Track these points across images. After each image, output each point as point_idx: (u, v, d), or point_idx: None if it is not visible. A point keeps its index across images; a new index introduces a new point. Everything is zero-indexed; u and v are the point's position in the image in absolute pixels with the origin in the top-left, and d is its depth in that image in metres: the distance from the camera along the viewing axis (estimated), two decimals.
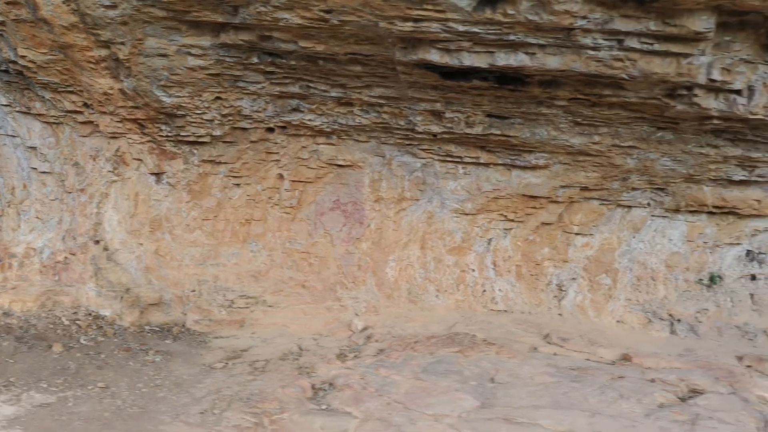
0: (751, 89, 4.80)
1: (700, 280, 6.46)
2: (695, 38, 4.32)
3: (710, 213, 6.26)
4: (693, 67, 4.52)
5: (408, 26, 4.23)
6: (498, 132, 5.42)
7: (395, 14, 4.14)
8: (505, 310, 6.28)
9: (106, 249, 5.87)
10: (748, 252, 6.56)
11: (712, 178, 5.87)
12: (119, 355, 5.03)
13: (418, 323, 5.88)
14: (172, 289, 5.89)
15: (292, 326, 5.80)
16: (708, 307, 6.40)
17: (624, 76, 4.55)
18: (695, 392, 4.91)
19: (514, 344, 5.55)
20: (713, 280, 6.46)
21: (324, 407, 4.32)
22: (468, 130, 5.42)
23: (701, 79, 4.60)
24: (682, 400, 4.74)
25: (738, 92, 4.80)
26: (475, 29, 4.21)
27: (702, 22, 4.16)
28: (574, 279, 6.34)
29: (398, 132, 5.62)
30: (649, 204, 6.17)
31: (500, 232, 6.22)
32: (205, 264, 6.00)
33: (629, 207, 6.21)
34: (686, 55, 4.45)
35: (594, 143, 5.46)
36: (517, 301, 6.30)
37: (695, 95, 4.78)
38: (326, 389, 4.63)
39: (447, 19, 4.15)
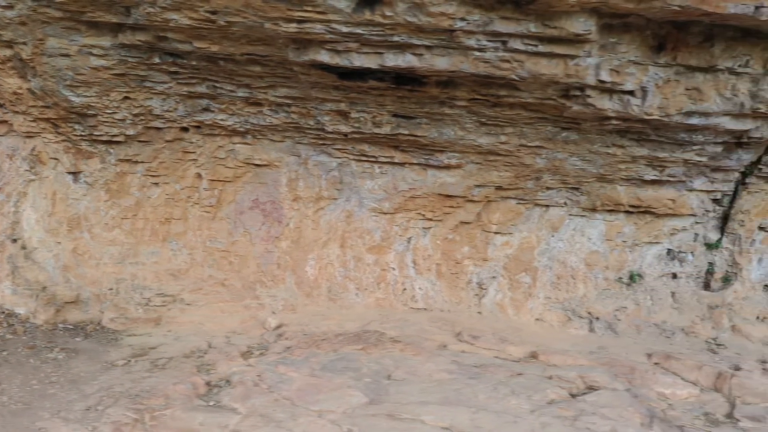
0: (644, 90, 4.87)
1: (620, 278, 6.53)
2: (578, 40, 4.39)
3: (628, 212, 6.34)
4: (581, 68, 4.59)
5: (293, 27, 4.28)
6: (406, 132, 5.47)
7: (277, 15, 4.19)
8: (425, 308, 6.33)
9: (23, 248, 5.90)
10: (669, 251, 6.64)
11: (624, 177, 5.94)
12: (22, 353, 5.06)
13: (334, 321, 5.93)
14: (90, 288, 5.93)
15: (207, 324, 5.85)
16: (627, 305, 6.48)
17: (514, 77, 4.61)
18: (591, 388, 4.99)
19: (424, 342, 5.61)
20: (633, 278, 6.53)
21: (212, 404, 4.37)
22: (377, 130, 5.48)
23: (590, 80, 4.67)
24: (574, 396, 4.81)
25: (631, 93, 4.87)
26: (358, 30, 4.26)
27: (580, 24, 4.23)
28: (494, 277, 6.40)
29: (310, 132, 5.67)
30: (566, 203, 6.24)
31: (420, 231, 6.27)
32: (124, 263, 6.04)
33: (547, 206, 6.28)
34: (573, 57, 4.53)
35: (502, 143, 5.53)
36: (437, 300, 6.35)
37: (588, 96, 4.85)
38: (222, 386, 4.68)
39: (329, 21, 4.21)
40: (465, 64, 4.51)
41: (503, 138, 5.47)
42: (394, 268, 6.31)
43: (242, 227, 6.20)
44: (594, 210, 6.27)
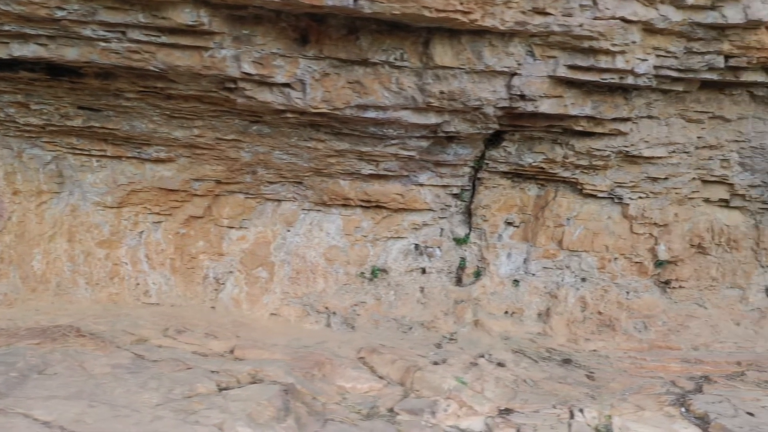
0: (302, 83, 4.85)
1: (362, 273, 6.53)
2: (204, 32, 4.37)
3: (364, 207, 6.34)
4: (217, 60, 4.56)
5: None
6: (98, 125, 5.41)
7: None
8: (158, 303, 6.29)
9: None
10: (417, 246, 6.65)
11: (342, 172, 5.94)
12: None
13: (47, 316, 5.84)
14: None
15: None
16: (367, 300, 6.48)
17: (151, 68, 4.57)
18: (253, 383, 4.96)
19: (123, 337, 5.55)
20: (375, 273, 6.53)
21: None
22: (69, 123, 5.41)
23: (234, 72, 4.64)
24: (222, 390, 4.77)
25: (288, 86, 4.85)
26: None
27: (187, 15, 4.20)
28: (231, 272, 6.37)
29: (8, 124, 5.58)
30: (295, 198, 6.22)
31: (151, 226, 6.22)
32: None
33: (279, 201, 6.26)
34: (206, 48, 4.50)
35: (197, 136, 5.49)
36: (171, 294, 6.31)
37: (245, 89, 4.82)
38: None
39: None
40: (94, 54, 4.46)
41: (197, 131, 5.44)
42: (126, 263, 6.25)
43: None
44: (326, 204, 6.25)
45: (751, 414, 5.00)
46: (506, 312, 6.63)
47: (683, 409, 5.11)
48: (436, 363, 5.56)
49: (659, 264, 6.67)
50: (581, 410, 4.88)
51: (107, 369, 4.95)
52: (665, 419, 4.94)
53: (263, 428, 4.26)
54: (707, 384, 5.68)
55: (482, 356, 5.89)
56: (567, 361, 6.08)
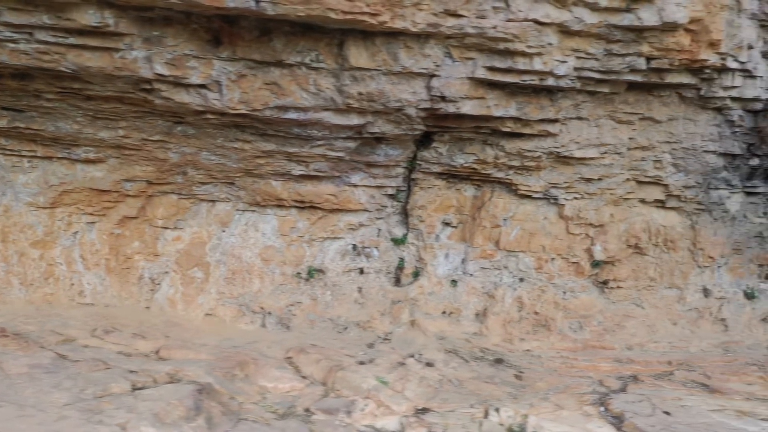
0: (219, 84, 4.87)
1: (299, 273, 6.55)
2: (113, 33, 4.38)
3: (299, 208, 6.36)
4: (128, 61, 4.58)
5: None
6: (23, 125, 5.42)
7: None
8: (92, 303, 6.29)
9: None
10: (354, 246, 6.67)
11: (273, 172, 5.96)
12: None
13: None
14: None
15: None
16: (303, 300, 6.49)
17: (63, 69, 4.59)
18: (170, 382, 4.98)
19: (50, 337, 5.56)
20: (311, 273, 6.55)
21: None
22: None
23: (147, 73, 4.66)
24: (136, 389, 4.77)
25: (204, 87, 4.87)
26: None
27: (91, 17, 4.22)
28: (166, 273, 6.38)
29: None
30: (229, 198, 6.23)
31: (85, 226, 6.22)
32: None
33: (213, 201, 6.27)
34: (116, 50, 4.51)
35: (123, 137, 5.50)
36: (106, 295, 6.32)
37: (161, 90, 4.84)
38: None
39: None
40: (3, 56, 4.47)
41: (122, 132, 5.45)
42: (61, 263, 6.26)
43: None
44: (260, 205, 6.27)
45: (667, 413, 5.05)
46: (444, 312, 6.66)
47: (602, 408, 5.16)
48: (362, 363, 5.59)
49: (596, 264, 6.72)
50: (497, 410, 4.92)
51: (24, 369, 4.95)
52: (582, 418, 4.98)
53: (170, 428, 4.28)
54: (634, 383, 5.72)
55: (412, 356, 5.92)
56: (499, 361, 6.11)
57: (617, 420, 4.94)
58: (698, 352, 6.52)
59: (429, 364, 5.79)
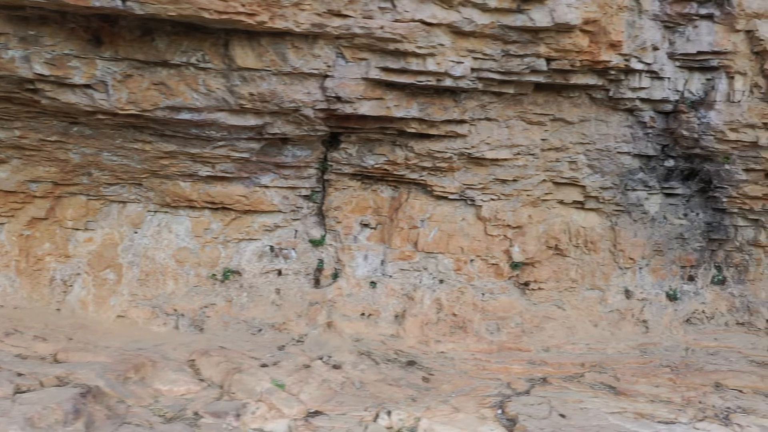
0: (105, 84, 4.82)
1: (214, 275, 6.49)
2: None
3: (212, 209, 6.30)
4: (5, 61, 4.54)
5: None
6: None
7: None
8: (2, 305, 6.23)
9: None
10: (272, 248, 6.63)
11: (180, 173, 5.90)
12: None
13: None
14: None
15: None
16: (217, 302, 6.44)
17: None
18: (58, 385, 4.92)
19: None
20: (227, 275, 6.50)
21: None
22: None
23: (25, 73, 4.61)
24: (20, 393, 4.72)
25: (90, 87, 4.81)
26: None
27: None
28: (78, 274, 6.32)
29: None
30: (138, 199, 6.18)
31: None
32: None
33: (124, 202, 6.22)
34: None
35: (20, 137, 5.43)
36: (16, 297, 6.25)
37: (46, 90, 4.78)
38: None
39: None
40: None
41: (18, 132, 5.39)
42: None
43: None
44: (171, 206, 6.22)
45: (562, 416, 5.03)
46: (362, 314, 6.61)
47: (499, 411, 5.13)
48: (264, 365, 5.54)
49: (516, 266, 6.69)
50: (389, 413, 4.88)
51: None
52: (476, 421, 4.96)
53: None
54: (541, 386, 5.70)
55: (321, 358, 5.88)
56: (411, 363, 6.08)
57: (511, 423, 4.92)
58: (614, 354, 6.50)
59: (336, 367, 5.75)
